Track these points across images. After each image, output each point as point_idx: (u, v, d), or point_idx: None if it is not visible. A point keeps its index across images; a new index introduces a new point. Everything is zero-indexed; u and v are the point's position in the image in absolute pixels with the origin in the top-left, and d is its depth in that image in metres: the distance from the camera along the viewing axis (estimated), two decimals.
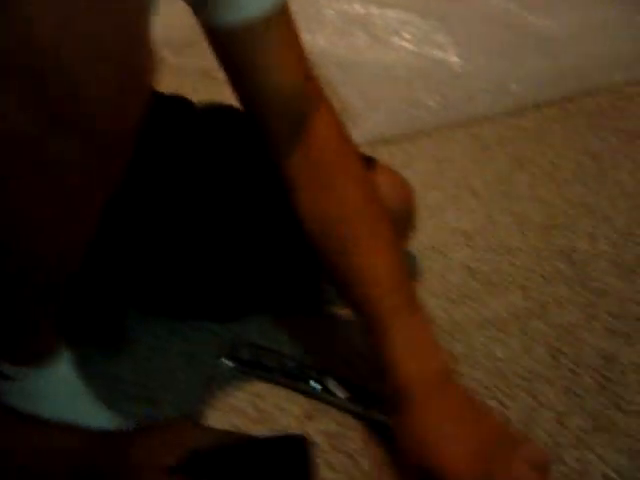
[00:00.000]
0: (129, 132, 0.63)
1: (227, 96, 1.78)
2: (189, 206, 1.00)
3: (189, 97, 1.14)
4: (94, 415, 0.86)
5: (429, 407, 0.79)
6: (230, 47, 0.85)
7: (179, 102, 1.09)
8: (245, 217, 1.02)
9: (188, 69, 1.90)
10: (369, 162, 1.04)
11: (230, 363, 0.97)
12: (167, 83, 1.80)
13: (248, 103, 0.90)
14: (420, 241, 1.18)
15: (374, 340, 0.84)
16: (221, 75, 1.91)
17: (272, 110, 0.89)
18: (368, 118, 1.51)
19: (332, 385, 0.92)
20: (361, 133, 1.48)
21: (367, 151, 1.16)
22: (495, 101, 1.58)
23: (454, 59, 1.67)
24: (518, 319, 1.05)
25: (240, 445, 0.72)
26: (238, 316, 1.06)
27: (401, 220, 1.08)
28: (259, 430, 0.88)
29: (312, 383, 0.93)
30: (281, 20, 0.85)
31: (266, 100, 0.88)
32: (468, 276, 1.12)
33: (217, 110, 1.10)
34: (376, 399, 0.88)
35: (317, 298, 1.07)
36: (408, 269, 0.91)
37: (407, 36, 1.73)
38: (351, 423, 0.91)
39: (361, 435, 0.89)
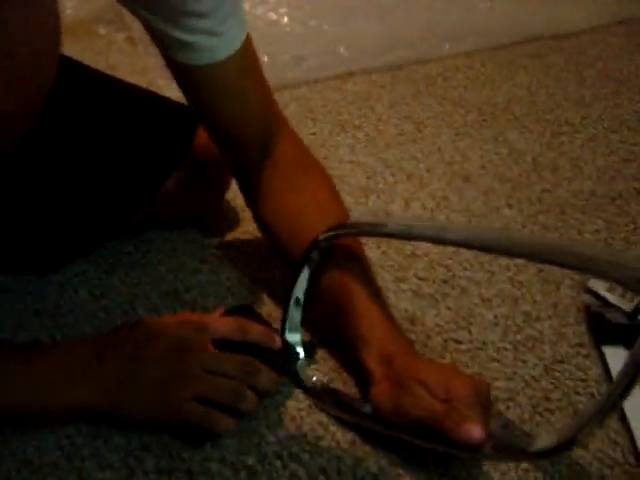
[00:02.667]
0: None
1: (151, 64, 1.67)
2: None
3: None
4: None
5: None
6: (197, 82, 0.87)
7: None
8: (57, 163, 0.98)
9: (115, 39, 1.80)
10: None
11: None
12: (97, 52, 1.70)
13: (215, 131, 0.94)
14: (238, 198, 1.15)
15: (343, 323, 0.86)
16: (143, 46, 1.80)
17: (240, 137, 0.93)
18: None
19: None
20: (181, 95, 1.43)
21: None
22: (323, 64, 1.55)
23: (285, 20, 1.63)
24: None
25: None
26: (56, 267, 1.03)
27: (218, 171, 1.07)
28: None
29: None
30: (246, 52, 0.88)
31: (234, 128, 0.92)
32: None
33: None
34: None
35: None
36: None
37: None
38: None
39: None
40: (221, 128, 0.93)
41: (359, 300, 0.84)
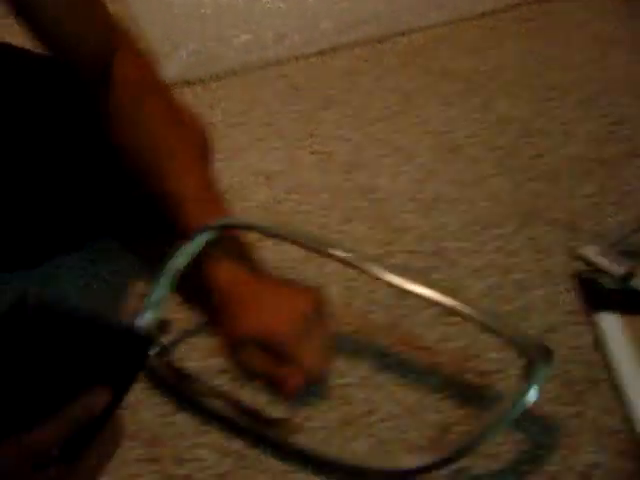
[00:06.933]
0: None
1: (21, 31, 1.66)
2: None
3: None
4: None
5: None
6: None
7: None
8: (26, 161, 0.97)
9: None
10: None
11: None
12: None
13: (52, 51, 0.93)
14: (219, 182, 1.13)
15: None
16: None
17: (77, 59, 0.93)
18: (174, 58, 1.44)
19: None
20: (166, 74, 1.41)
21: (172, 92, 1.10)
22: (306, 40, 1.53)
23: None
24: (314, 259, 1.01)
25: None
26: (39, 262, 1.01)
27: None
28: None
29: None
30: None
31: (69, 51, 0.92)
32: (265, 218, 1.08)
33: None
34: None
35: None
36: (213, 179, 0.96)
37: None
38: None
39: (141, 387, 0.84)
40: (56, 46, 0.92)
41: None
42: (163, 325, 0.88)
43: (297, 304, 0.86)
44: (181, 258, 0.88)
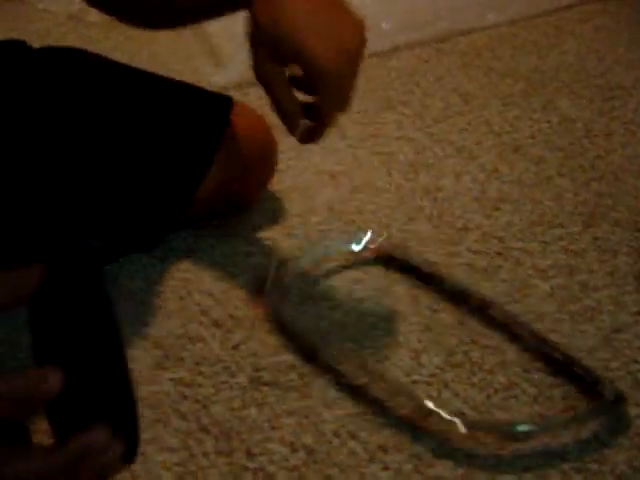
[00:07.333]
0: None
1: (97, 39, 1.70)
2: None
3: (58, 43, 1.08)
4: None
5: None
6: None
7: (11, 46, 1.02)
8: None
9: (57, 14, 1.81)
10: (226, 102, 1.05)
11: None
12: (35, 29, 1.72)
13: None
14: (283, 182, 1.15)
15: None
16: (91, 18, 1.82)
17: None
18: (237, 59, 1.46)
19: None
20: (230, 74, 1.44)
21: (236, 93, 1.13)
22: None
23: None
24: (381, 259, 1.03)
25: None
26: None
27: (259, 161, 1.07)
28: None
29: None
30: None
31: None
32: (330, 217, 1.10)
33: (55, 52, 1.05)
34: None
35: None
36: None
37: None
38: (203, 370, 0.88)
39: (212, 382, 0.86)
40: None
41: None
42: None
43: (346, 36, 0.80)
44: None
